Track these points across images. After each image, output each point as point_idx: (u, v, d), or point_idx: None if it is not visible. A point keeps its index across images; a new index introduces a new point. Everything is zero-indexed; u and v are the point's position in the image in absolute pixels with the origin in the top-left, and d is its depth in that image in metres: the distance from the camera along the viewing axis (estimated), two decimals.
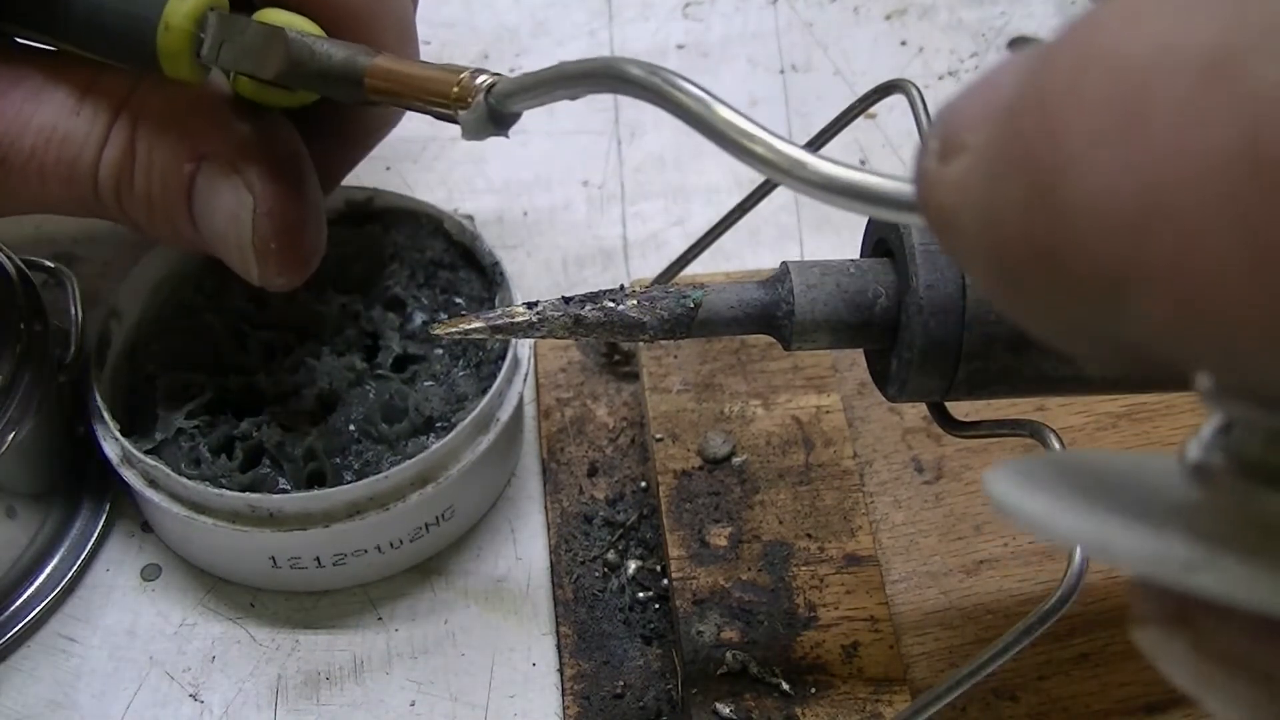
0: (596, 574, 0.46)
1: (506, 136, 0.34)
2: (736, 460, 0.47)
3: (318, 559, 0.44)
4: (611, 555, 0.46)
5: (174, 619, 0.45)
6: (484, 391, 0.45)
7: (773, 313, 0.35)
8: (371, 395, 0.46)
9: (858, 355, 0.45)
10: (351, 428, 0.45)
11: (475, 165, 0.59)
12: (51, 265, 0.48)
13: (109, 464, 0.44)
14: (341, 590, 0.46)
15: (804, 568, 0.44)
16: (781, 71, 0.63)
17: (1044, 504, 0.18)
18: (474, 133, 0.34)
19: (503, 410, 0.45)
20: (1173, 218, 0.15)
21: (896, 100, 0.39)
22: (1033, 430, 0.35)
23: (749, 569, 0.44)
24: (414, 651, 0.44)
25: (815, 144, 0.43)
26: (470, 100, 0.34)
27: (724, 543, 0.45)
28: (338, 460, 0.45)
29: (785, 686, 0.41)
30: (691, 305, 0.35)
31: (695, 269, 0.49)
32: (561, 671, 0.44)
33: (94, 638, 0.45)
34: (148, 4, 0.38)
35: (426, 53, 0.63)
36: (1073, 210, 0.16)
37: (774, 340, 0.36)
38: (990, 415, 0.37)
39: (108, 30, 0.38)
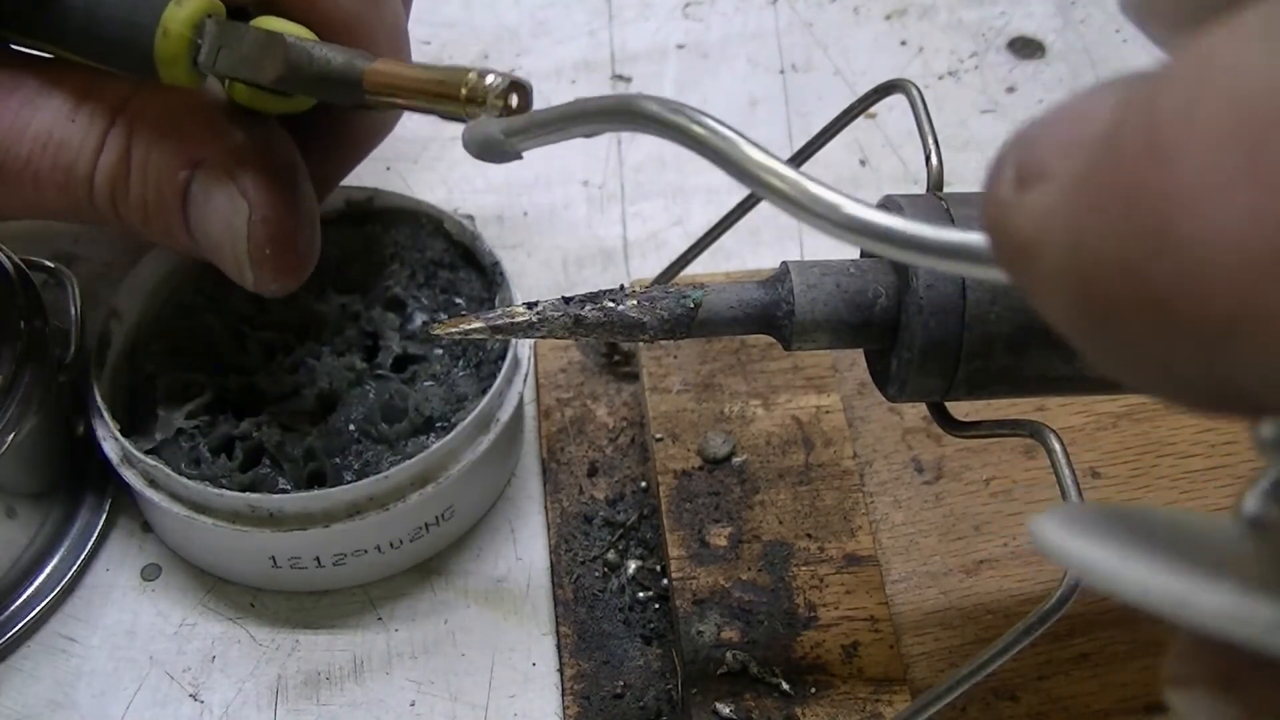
0: (596, 574, 0.46)
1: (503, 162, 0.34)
2: (736, 460, 0.47)
3: (318, 559, 0.44)
4: (611, 555, 0.46)
5: (174, 619, 0.45)
6: (484, 391, 0.45)
7: (773, 313, 0.35)
8: (371, 395, 0.46)
9: (858, 355, 0.45)
10: (351, 428, 0.45)
11: (475, 165, 0.59)
12: (51, 265, 0.48)
13: (109, 464, 0.44)
14: (341, 590, 0.46)
15: (804, 568, 0.44)
16: (781, 71, 0.63)
17: (1108, 555, 0.17)
18: (476, 151, 0.34)
19: (503, 410, 0.45)
20: None
21: (896, 100, 0.39)
22: (1033, 430, 0.35)
23: (749, 569, 0.44)
24: (414, 651, 0.44)
25: (815, 144, 0.43)
26: (484, 100, 0.34)
27: (724, 543, 0.45)
28: (338, 460, 0.45)
29: (785, 686, 0.41)
30: (691, 305, 0.35)
31: (695, 269, 0.49)
32: (561, 671, 0.44)
33: (94, 638, 0.45)
34: (145, 10, 0.38)
35: (426, 53, 0.63)
36: (1185, 246, 0.15)
37: (774, 340, 0.36)
38: (990, 415, 0.37)
39: (105, 36, 0.39)
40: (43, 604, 0.45)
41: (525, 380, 0.47)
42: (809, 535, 0.45)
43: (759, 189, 0.26)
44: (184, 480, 0.42)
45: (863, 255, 0.37)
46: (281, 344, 0.47)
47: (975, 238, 0.21)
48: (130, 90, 0.40)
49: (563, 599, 0.45)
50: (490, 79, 0.34)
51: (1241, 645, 0.16)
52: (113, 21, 0.38)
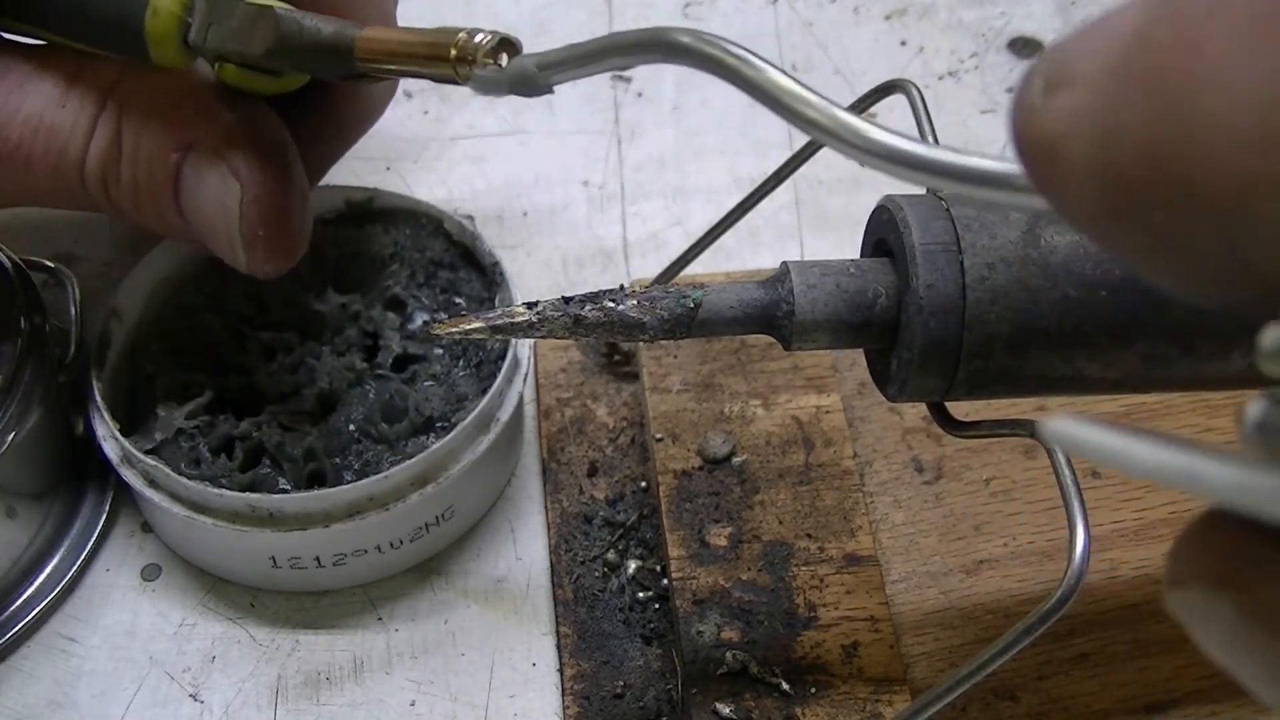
0: (596, 574, 0.46)
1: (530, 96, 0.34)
2: (736, 460, 0.47)
3: (318, 559, 0.44)
4: (611, 555, 0.46)
5: (174, 619, 0.45)
6: (484, 391, 0.45)
7: (773, 313, 0.35)
8: (371, 395, 0.46)
9: (858, 355, 0.45)
10: (351, 428, 0.45)
11: (475, 165, 0.59)
12: (51, 265, 0.48)
13: (109, 464, 0.44)
14: (341, 590, 0.46)
15: (804, 568, 0.44)
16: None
17: (1118, 438, 0.18)
18: (488, 88, 0.34)
19: (503, 410, 0.45)
20: None
21: (896, 100, 0.39)
22: (1033, 430, 0.35)
23: (749, 569, 0.44)
24: (414, 651, 0.44)
25: (816, 144, 0.43)
26: (473, 59, 0.34)
27: (724, 543, 0.45)
28: (338, 460, 0.45)
29: (785, 686, 0.41)
30: (691, 305, 0.35)
31: (695, 269, 0.49)
32: (561, 671, 0.44)
33: (94, 638, 0.45)
34: None
35: None
36: (1208, 119, 0.16)
37: (774, 340, 0.36)
38: (990, 415, 0.37)
39: (94, 17, 0.39)
40: (43, 604, 0.45)
41: (525, 380, 0.47)
42: (809, 535, 0.45)
43: (790, 116, 0.26)
44: (184, 480, 0.42)
45: (863, 255, 0.37)
46: (281, 344, 0.47)
47: (993, 163, 0.22)
48: (119, 74, 0.40)
49: (563, 599, 0.45)
50: (480, 37, 0.34)
51: (1248, 513, 0.17)
52: (102, 2, 0.38)
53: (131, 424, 0.45)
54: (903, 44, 0.65)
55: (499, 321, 0.35)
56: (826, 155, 0.45)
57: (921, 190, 0.36)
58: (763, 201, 0.45)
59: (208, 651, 0.44)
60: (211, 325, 0.47)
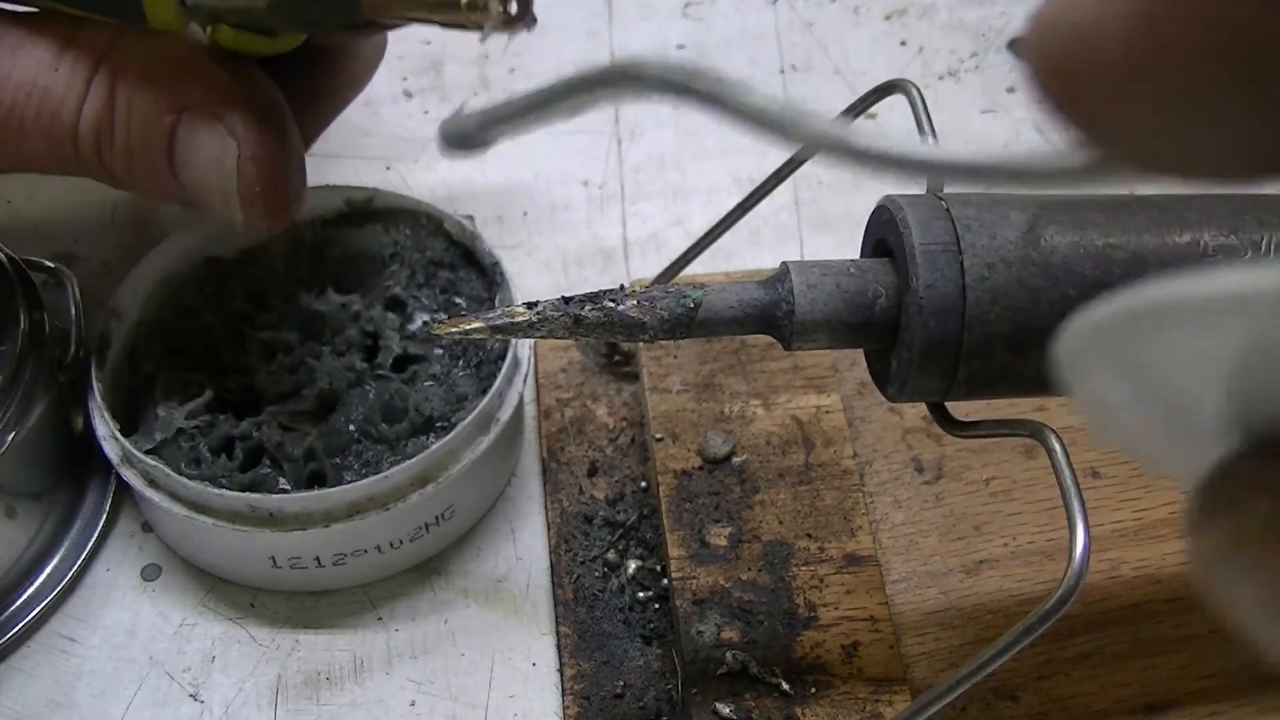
0: (596, 574, 0.46)
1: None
2: (736, 460, 0.47)
3: (318, 559, 0.44)
4: (611, 555, 0.46)
5: (174, 619, 0.45)
6: (484, 391, 0.45)
7: (773, 313, 0.35)
8: (371, 395, 0.46)
9: (858, 355, 0.45)
10: (351, 428, 0.45)
11: (475, 165, 0.59)
12: (51, 265, 0.48)
13: (109, 464, 0.44)
14: (341, 590, 0.46)
15: (804, 568, 0.44)
16: (781, 71, 0.63)
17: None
18: (449, 145, 0.33)
19: (503, 410, 0.45)
20: None
21: (896, 100, 0.39)
22: (1033, 430, 0.35)
23: (749, 569, 0.44)
24: (414, 651, 0.44)
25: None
26: (485, 4, 0.33)
27: (724, 543, 0.45)
28: (338, 460, 0.45)
29: (785, 686, 0.41)
30: (691, 305, 0.35)
31: (695, 269, 0.49)
32: (561, 671, 0.44)
33: (94, 638, 0.45)
34: None
35: (426, 53, 0.63)
36: None
37: (774, 340, 0.36)
38: (990, 415, 0.37)
39: None
40: (43, 604, 0.45)
41: (525, 380, 0.47)
42: (809, 535, 0.45)
43: (777, 136, 0.25)
44: (184, 480, 0.42)
45: (863, 255, 0.37)
46: (281, 344, 0.47)
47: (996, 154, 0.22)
48: (113, 37, 0.40)
49: (563, 599, 0.45)
50: None
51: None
52: None
53: (131, 424, 0.45)
54: (903, 44, 0.65)
55: (499, 321, 0.35)
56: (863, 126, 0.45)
57: (922, 190, 0.36)
58: (763, 201, 0.45)
59: (208, 651, 0.44)
60: (211, 325, 0.47)
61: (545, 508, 0.48)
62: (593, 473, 0.48)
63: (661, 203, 0.58)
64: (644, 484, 0.48)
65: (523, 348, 0.47)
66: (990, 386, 0.35)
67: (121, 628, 0.45)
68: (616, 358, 0.51)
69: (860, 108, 0.41)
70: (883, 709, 0.41)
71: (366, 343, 0.48)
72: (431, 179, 0.58)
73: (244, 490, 0.43)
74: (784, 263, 0.36)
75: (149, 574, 0.46)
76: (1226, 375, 0.19)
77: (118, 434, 0.43)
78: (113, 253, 0.54)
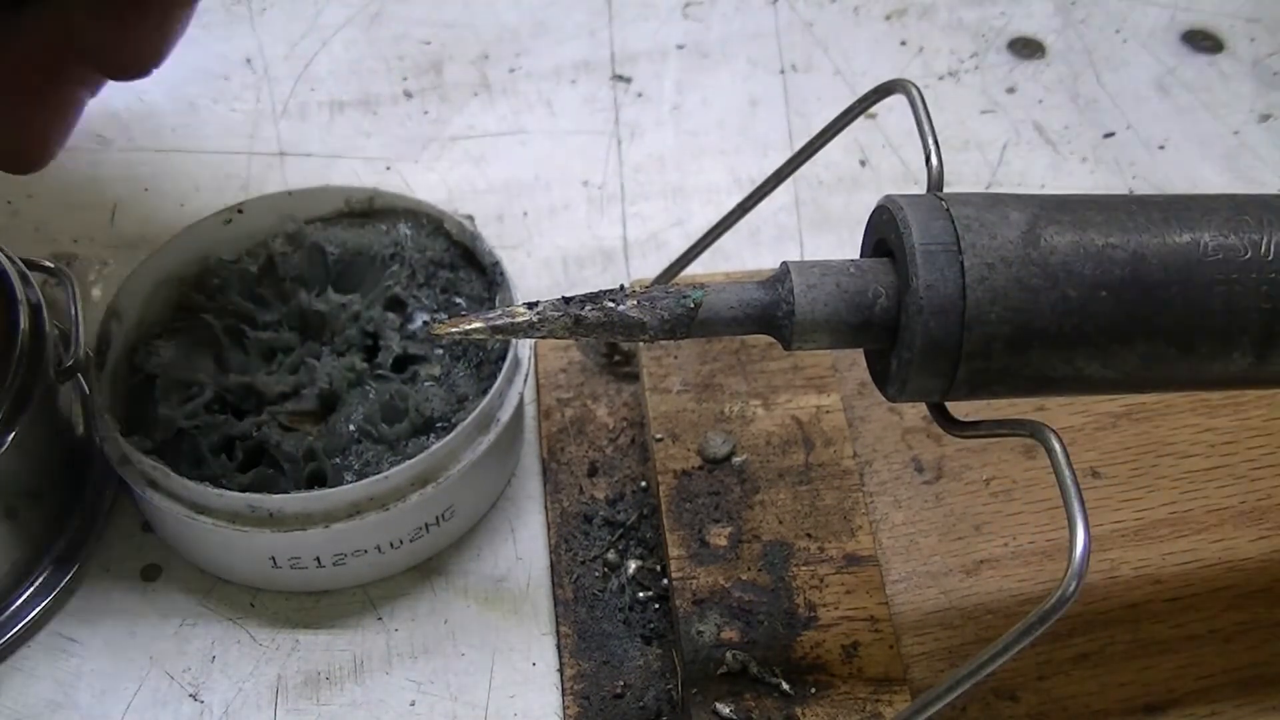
0: (596, 574, 0.46)
1: None
2: (736, 460, 0.47)
3: (318, 559, 0.44)
4: (611, 555, 0.46)
5: (174, 619, 0.45)
6: (484, 392, 0.45)
7: (773, 313, 0.35)
8: (372, 395, 0.46)
9: (858, 355, 0.45)
10: (351, 428, 0.45)
11: (475, 165, 0.59)
12: (51, 265, 0.48)
13: (109, 464, 0.44)
14: (341, 590, 0.46)
15: (804, 568, 0.44)
16: (781, 71, 0.63)
17: None
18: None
19: (503, 410, 0.45)
20: None
21: (896, 100, 0.39)
22: (1033, 430, 0.35)
23: (749, 569, 0.44)
24: (414, 651, 0.44)
25: (815, 144, 0.43)
26: None
27: (724, 543, 0.45)
28: (338, 460, 0.45)
29: (785, 686, 0.41)
30: (691, 305, 0.35)
31: (695, 269, 0.49)
32: (561, 671, 0.44)
33: (94, 638, 0.45)
34: None
35: (426, 52, 0.63)
36: None
37: (774, 340, 0.36)
38: (990, 415, 0.37)
39: None
40: (43, 604, 0.45)
41: (525, 380, 0.47)
42: (809, 535, 0.45)
43: None
44: (184, 480, 0.42)
45: (863, 255, 0.37)
46: (281, 344, 0.47)
47: None
48: None
49: (563, 599, 0.45)
50: None
51: None
52: None
53: (131, 424, 0.45)
54: (903, 44, 0.65)
55: (499, 321, 0.35)
56: (826, 155, 0.45)
57: (921, 190, 0.36)
58: (763, 201, 0.45)
59: (208, 651, 0.44)
60: (211, 325, 0.47)
61: (545, 508, 0.48)
62: (593, 473, 0.48)
63: (661, 203, 0.58)
64: (644, 484, 0.48)
65: (523, 348, 0.47)
66: (990, 386, 0.35)
67: (121, 628, 0.45)
68: (616, 358, 0.51)
69: (860, 108, 0.41)
70: (883, 709, 0.41)
71: (366, 343, 0.48)
72: (431, 179, 0.58)
73: (244, 490, 0.43)
74: (784, 263, 0.36)
75: (149, 574, 0.46)
76: None
77: (118, 434, 0.43)
78: (113, 253, 0.54)
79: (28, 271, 0.46)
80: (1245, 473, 0.47)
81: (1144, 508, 0.47)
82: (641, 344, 0.47)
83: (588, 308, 0.34)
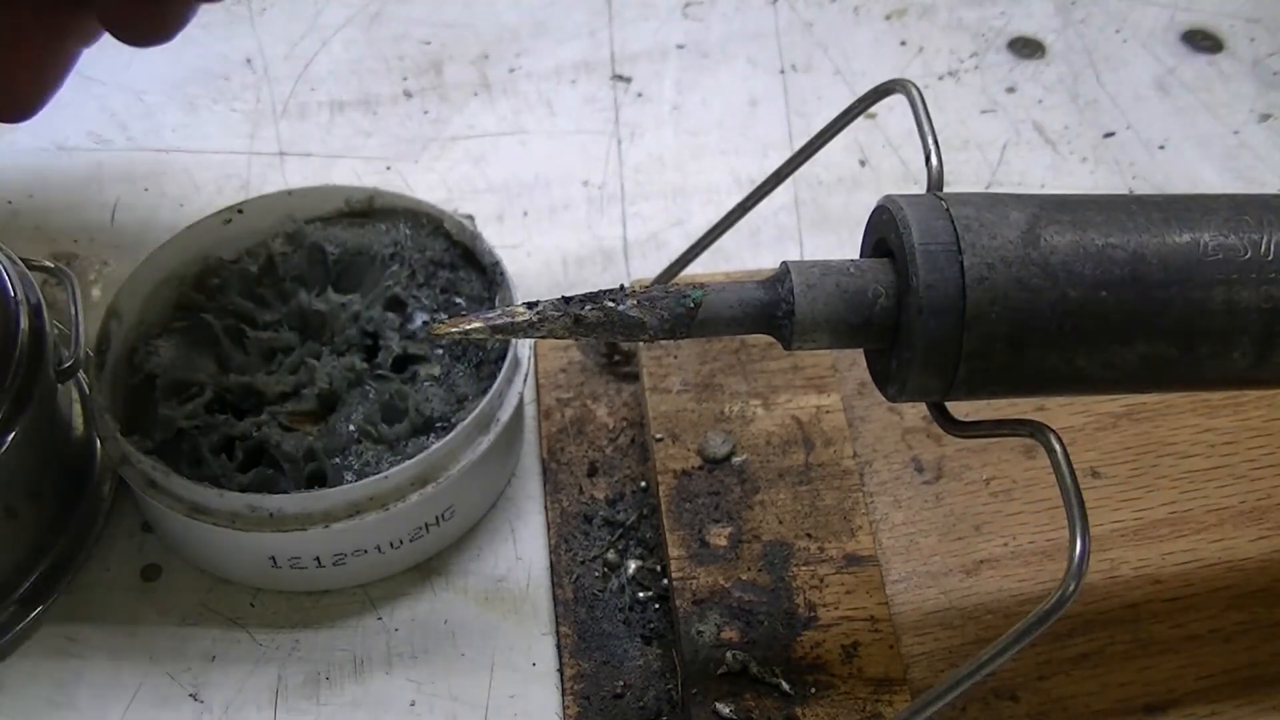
0: (596, 574, 0.46)
1: None
2: (736, 460, 0.47)
3: (318, 559, 0.44)
4: (611, 555, 0.46)
5: (174, 619, 0.45)
6: (484, 392, 0.45)
7: (773, 313, 0.35)
8: (371, 395, 0.46)
9: (858, 355, 0.45)
10: (351, 428, 0.45)
11: (475, 165, 0.59)
12: (51, 265, 0.48)
13: (109, 464, 0.44)
14: (341, 590, 0.46)
15: (804, 568, 0.44)
16: (781, 71, 0.63)
17: None
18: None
19: (503, 410, 0.45)
20: None
21: (896, 100, 0.39)
22: (1033, 430, 0.35)
23: (749, 569, 0.44)
24: (414, 651, 0.44)
25: (815, 144, 0.43)
26: None
27: (724, 543, 0.45)
28: (338, 460, 0.45)
29: (785, 686, 0.41)
30: (691, 305, 0.35)
31: (695, 269, 0.49)
32: (561, 671, 0.44)
33: (94, 637, 0.45)
34: None
35: (427, 52, 0.63)
36: None
37: (774, 340, 0.36)
38: (990, 415, 0.37)
39: None
40: (43, 604, 0.45)
41: (525, 380, 0.47)
42: (809, 535, 0.45)
43: None
44: (184, 480, 0.42)
45: (863, 255, 0.37)
46: (281, 344, 0.47)
47: None
48: None
49: (563, 599, 0.45)
50: None
51: None
52: None
53: (131, 424, 0.45)
54: (903, 44, 0.65)
55: (499, 321, 0.35)
56: (826, 155, 0.45)
57: (921, 190, 0.36)
58: (763, 201, 0.45)
59: (208, 651, 0.44)
60: (211, 325, 0.47)
61: (545, 508, 0.48)
62: (593, 473, 0.48)
63: (661, 203, 0.58)
64: (644, 484, 0.48)
65: (523, 348, 0.47)
66: (990, 386, 0.35)
67: (121, 628, 0.45)
68: (616, 358, 0.51)
69: (860, 108, 0.41)
70: (883, 709, 0.41)
71: (366, 343, 0.48)
72: (431, 179, 0.58)
73: (244, 490, 0.43)
74: (784, 263, 0.36)
75: (149, 574, 0.46)
76: None
77: (118, 434, 0.43)
78: (113, 253, 0.54)
79: (28, 271, 0.46)
80: (1245, 473, 0.47)
81: (1144, 508, 0.47)
82: (641, 344, 0.47)
83: (588, 307, 0.34)
